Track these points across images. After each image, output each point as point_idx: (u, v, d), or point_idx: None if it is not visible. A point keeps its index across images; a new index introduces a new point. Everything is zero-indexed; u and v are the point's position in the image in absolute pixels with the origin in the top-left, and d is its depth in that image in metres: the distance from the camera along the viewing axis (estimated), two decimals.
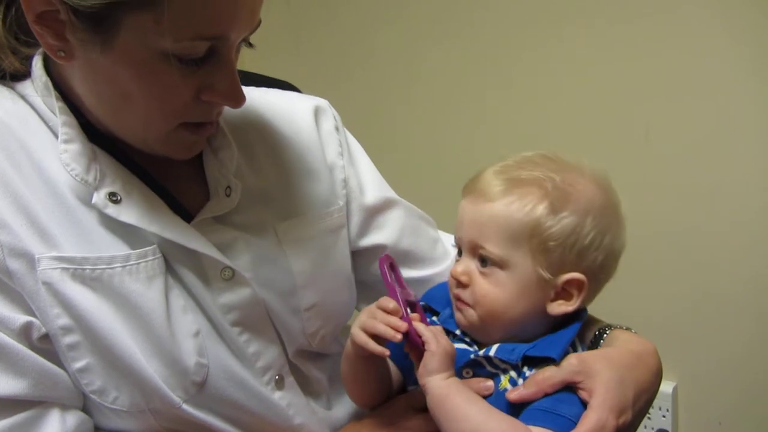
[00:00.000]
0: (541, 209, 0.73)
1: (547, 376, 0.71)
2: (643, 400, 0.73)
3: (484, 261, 0.75)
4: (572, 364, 0.71)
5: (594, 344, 0.81)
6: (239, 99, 0.74)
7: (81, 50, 0.68)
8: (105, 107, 0.74)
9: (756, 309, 1.60)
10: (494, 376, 0.75)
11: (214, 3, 0.66)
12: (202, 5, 0.65)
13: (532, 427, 0.68)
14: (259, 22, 0.72)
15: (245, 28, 0.70)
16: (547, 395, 0.70)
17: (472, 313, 0.76)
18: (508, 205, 0.74)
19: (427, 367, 0.71)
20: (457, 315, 0.78)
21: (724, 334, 1.64)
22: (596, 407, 0.68)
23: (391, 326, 0.72)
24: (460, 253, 0.79)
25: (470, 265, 0.76)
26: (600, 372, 0.70)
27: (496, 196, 0.75)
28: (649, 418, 1.72)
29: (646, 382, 0.74)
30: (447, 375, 0.71)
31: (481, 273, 0.75)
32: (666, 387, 1.70)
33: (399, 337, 0.71)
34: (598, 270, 0.77)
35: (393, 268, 0.80)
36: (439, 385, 0.71)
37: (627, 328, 0.83)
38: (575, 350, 0.77)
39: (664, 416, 1.71)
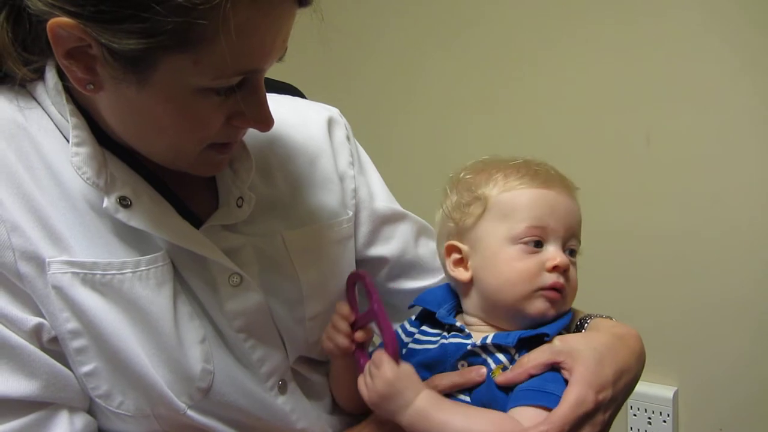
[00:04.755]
0: None
1: (532, 358, 0.73)
2: (624, 380, 0.74)
3: (572, 252, 0.80)
4: (555, 345, 0.73)
5: (577, 332, 0.83)
6: (269, 123, 0.75)
7: (112, 84, 0.67)
8: (133, 133, 0.74)
9: (757, 314, 1.61)
10: (487, 365, 0.76)
11: (252, 43, 0.66)
12: (241, 46, 0.64)
13: (524, 408, 0.70)
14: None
15: (278, 56, 0.71)
16: (532, 376, 0.72)
17: (564, 303, 0.79)
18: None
19: (390, 403, 0.73)
20: (545, 306, 0.77)
21: (725, 340, 1.64)
22: (575, 384, 0.70)
23: (337, 343, 0.81)
24: (538, 244, 0.78)
25: (564, 254, 0.79)
26: (581, 351, 0.72)
27: (575, 196, 0.82)
28: (649, 423, 1.72)
29: (627, 362, 0.75)
30: (413, 398, 0.72)
31: (570, 262, 0.79)
32: (667, 392, 1.70)
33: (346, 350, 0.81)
34: None
35: (364, 282, 0.81)
36: (410, 413, 0.72)
37: (608, 317, 0.84)
38: None
39: (665, 421, 1.71)
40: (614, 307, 0.84)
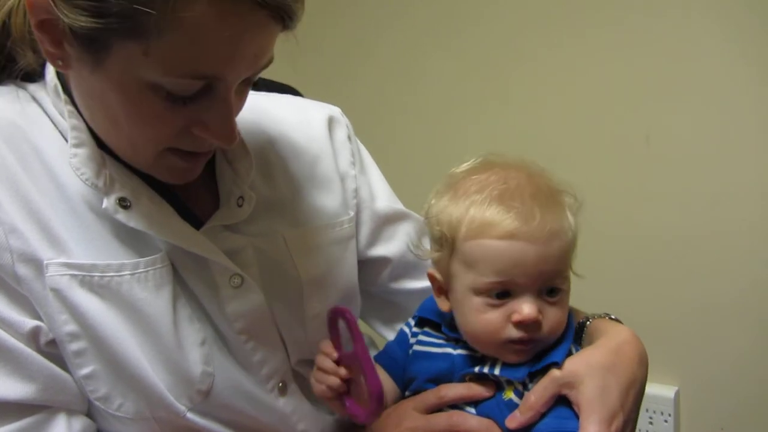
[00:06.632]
0: (573, 218, 0.76)
1: (539, 397, 0.71)
2: (632, 396, 0.73)
3: (552, 291, 0.74)
4: (557, 377, 0.71)
5: (577, 335, 0.81)
6: (231, 139, 0.71)
7: (76, 64, 0.67)
8: (96, 121, 0.73)
9: (757, 314, 1.60)
10: (497, 385, 0.76)
11: (206, 44, 0.63)
12: (191, 44, 0.62)
13: None
14: (270, 60, 0.70)
15: (246, 70, 0.68)
16: (543, 414, 0.71)
17: (541, 345, 0.74)
18: (568, 230, 0.74)
19: None
20: (516, 357, 0.74)
21: (726, 340, 1.64)
22: (587, 426, 0.68)
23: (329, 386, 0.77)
24: (502, 295, 0.73)
25: (537, 302, 0.73)
26: (584, 381, 0.70)
27: (561, 230, 0.73)
28: (650, 423, 1.72)
29: (630, 376, 0.73)
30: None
31: (550, 303, 0.74)
32: (668, 392, 1.70)
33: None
34: None
35: (347, 320, 0.77)
36: None
37: (605, 315, 0.83)
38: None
39: (666, 421, 1.71)
40: (614, 307, 0.83)
